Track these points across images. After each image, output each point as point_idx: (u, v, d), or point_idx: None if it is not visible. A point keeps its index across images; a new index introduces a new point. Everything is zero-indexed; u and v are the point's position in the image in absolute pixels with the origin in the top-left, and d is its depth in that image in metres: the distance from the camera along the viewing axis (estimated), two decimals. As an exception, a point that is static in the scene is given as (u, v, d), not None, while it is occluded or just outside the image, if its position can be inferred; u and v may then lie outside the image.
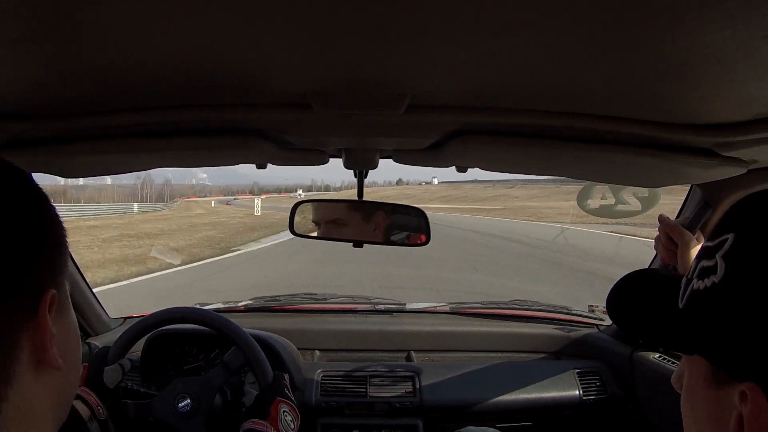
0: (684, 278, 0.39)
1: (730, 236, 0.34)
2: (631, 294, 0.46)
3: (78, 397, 0.94)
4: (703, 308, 0.35)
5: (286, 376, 1.09)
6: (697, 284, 0.36)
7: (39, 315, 0.35)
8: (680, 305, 0.38)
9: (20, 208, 0.37)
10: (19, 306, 0.35)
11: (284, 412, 1.00)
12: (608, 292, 0.48)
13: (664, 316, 0.39)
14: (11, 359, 0.34)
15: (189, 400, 1.06)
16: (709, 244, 0.36)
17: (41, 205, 0.39)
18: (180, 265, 8.66)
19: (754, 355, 0.31)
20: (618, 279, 0.48)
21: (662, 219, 0.90)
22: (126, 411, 1.03)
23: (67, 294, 0.41)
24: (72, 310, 0.42)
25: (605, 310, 1.60)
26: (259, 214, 28.45)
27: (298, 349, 1.41)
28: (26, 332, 0.35)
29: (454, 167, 0.92)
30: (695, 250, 0.85)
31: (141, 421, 1.05)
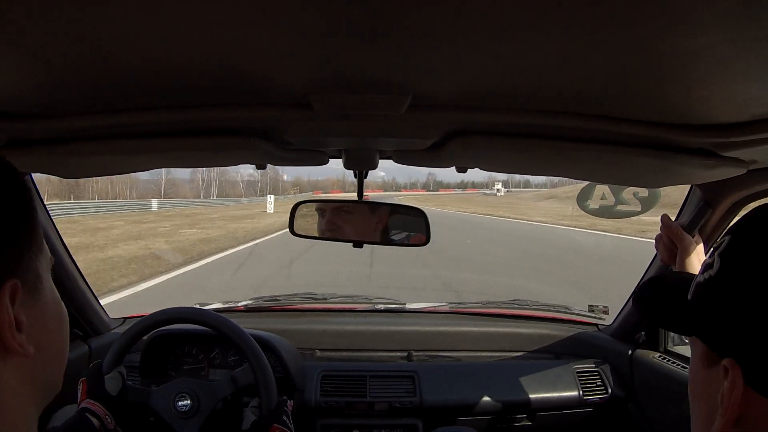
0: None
1: (728, 238, 0.40)
2: (658, 287, 0.53)
3: (86, 409, 0.96)
4: (700, 297, 0.41)
5: (290, 403, 1.09)
6: (700, 277, 0.42)
7: None
8: (689, 297, 0.44)
9: None
10: None
11: None
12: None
13: (677, 305, 0.46)
14: None
15: (189, 401, 1.07)
16: (714, 245, 0.42)
17: (4, 190, 0.37)
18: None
19: (735, 335, 0.37)
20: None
21: (664, 220, 0.90)
22: (126, 394, 1.05)
23: (38, 275, 0.39)
24: (52, 292, 0.41)
25: (605, 309, 1.61)
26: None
27: (298, 349, 1.41)
28: None
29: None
30: (695, 254, 0.85)
31: (139, 410, 1.07)
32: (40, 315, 0.39)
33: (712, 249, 0.43)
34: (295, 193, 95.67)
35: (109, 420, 0.97)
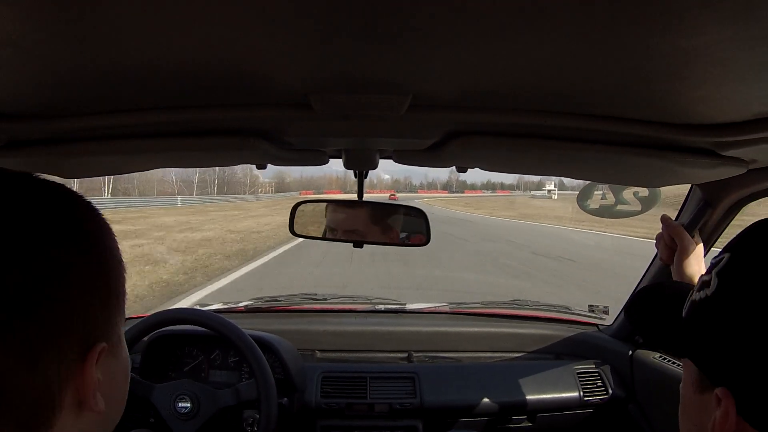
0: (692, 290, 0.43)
1: (726, 256, 0.38)
2: (651, 300, 0.50)
3: None
4: (695, 317, 0.39)
5: None
6: (695, 296, 0.40)
7: (85, 367, 0.36)
8: (683, 314, 0.42)
9: (76, 257, 0.35)
10: (67, 358, 0.35)
11: None
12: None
13: (670, 323, 0.43)
14: (55, 404, 0.34)
15: (189, 404, 1.07)
16: (713, 260, 0.40)
17: (103, 250, 0.38)
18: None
19: (730, 362, 0.34)
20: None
21: (665, 220, 0.90)
22: (130, 386, 1.06)
23: (119, 336, 0.41)
24: (124, 348, 0.42)
25: (605, 309, 1.61)
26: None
27: (298, 349, 1.41)
28: (71, 380, 0.35)
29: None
30: (693, 255, 0.85)
31: (139, 406, 1.09)
32: (113, 373, 0.40)
33: (711, 264, 0.40)
34: (265, 193, 77.06)
35: None
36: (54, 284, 0.34)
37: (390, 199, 51.88)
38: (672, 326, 0.42)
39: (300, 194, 71.03)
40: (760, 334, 0.33)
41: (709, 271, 0.39)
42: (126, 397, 0.44)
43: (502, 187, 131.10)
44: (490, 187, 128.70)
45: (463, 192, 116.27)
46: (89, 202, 0.39)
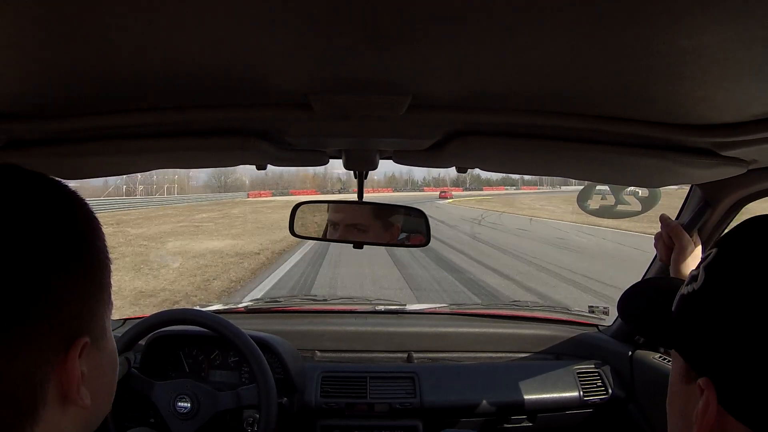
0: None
1: (714, 251, 0.39)
2: (643, 296, 0.51)
3: None
4: (684, 310, 0.40)
5: None
6: (684, 290, 0.41)
7: (68, 360, 0.35)
8: (673, 308, 0.43)
9: (59, 252, 0.35)
10: (48, 350, 0.34)
11: None
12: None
13: (662, 317, 0.44)
14: (37, 398, 0.34)
15: (189, 404, 1.08)
16: (703, 255, 0.41)
17: (87, 244, 0.38)
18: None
19: (713, 354, 0.36)
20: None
21: (663, 219, 0.90)
22: (129, 382, 1.09)
23: (104, 328, 0.40)
24: (110, 341, 0.42)
25: (605, 310, 1.61)
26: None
27: (298, 350, 1.41)
28: (54, 374, 0.35)
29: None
30: (691, 256, 0.85)
31: (139, 405, 1.11)
32: (99, 366, 0.40)
33: (700, 260, 0.41)
34: (162, 195, 53.27)
35: None
36: (35, 279, 0.33)
37: (441, 197, 48.75)
38: (661, 319, 0.44)
39: (248, 196, 57.10)
40: (742, 327, 0.34)
41: (698, 266, 0.40)
42: (114, 390, 0.44)
43: (524, 182, 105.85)
44: (510, 182, 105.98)
45: (481, 189, 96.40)
46: (78, 197, 0.40)
